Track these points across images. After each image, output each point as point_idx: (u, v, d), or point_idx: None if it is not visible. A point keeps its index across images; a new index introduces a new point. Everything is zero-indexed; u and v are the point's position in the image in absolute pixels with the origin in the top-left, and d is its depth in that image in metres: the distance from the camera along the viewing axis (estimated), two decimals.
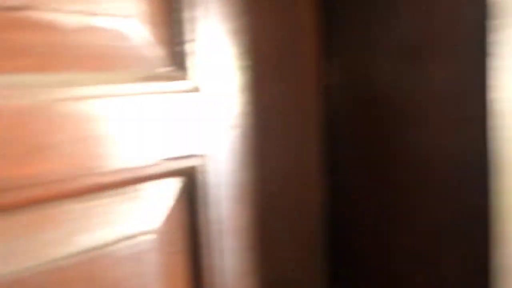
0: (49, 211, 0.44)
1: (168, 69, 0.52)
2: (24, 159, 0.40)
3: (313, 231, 0.70)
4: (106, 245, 0.48)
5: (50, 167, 0.42)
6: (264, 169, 0.65)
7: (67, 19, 0.45)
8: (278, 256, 0.66)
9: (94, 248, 0.47)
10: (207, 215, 0.56)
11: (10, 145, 0.39)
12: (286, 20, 0.69)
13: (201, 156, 0.55)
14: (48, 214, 0.44)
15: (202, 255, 0.56)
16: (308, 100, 0.73)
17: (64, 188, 0.43)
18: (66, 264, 0.45)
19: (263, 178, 0.65)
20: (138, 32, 0.50)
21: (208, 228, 0.56)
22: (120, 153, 0.47)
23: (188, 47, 0.53)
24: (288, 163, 0.70)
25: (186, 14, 0.52)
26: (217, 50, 0.56)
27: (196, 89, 0.54)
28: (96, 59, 0.46)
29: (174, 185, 0.54)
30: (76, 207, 0.46)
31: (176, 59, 0.52)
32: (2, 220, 0.40)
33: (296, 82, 0.70)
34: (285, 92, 0.67)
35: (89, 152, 0.44)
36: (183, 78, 0.53)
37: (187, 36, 0.52)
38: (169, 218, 0.54)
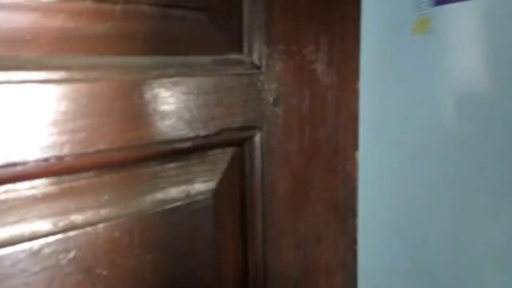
0: (143, 169, 0.55)
1: (233, 53, 0.62)
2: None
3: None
4: (176, 200, 0.58)
5: (143, 133, 0.52)
6: (302, 141, 0.74)
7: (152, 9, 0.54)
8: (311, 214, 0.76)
9: (166, 203, 0.57)
10: (255, 180, 0.66)
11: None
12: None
13: (253, 128, 0.65)
14: (142, 171, 0.55)
15: (249, 214, 0.66)
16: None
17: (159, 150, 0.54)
18: (145, 215, 0.55)
19: (301, 150, 0.74)
20: (207, 21, 0.59)
21: (255, 190, 0.66)
22: (193, 123, 0.57)
23: (248, 33, 0.62)
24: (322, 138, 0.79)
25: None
26: (275, 35, 0.65)
27: (254, 73, 0.64)
28: (175, 44, 0.56)
29: (229, 153, 0.64)
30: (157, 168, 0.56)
31: (239, 45, 0.62)
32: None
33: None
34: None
35: (169, 123, 0.54)
36: (244, 62, 0.62)
37: (249, 23, 0.62)
38: (223, 181, 0.64)
